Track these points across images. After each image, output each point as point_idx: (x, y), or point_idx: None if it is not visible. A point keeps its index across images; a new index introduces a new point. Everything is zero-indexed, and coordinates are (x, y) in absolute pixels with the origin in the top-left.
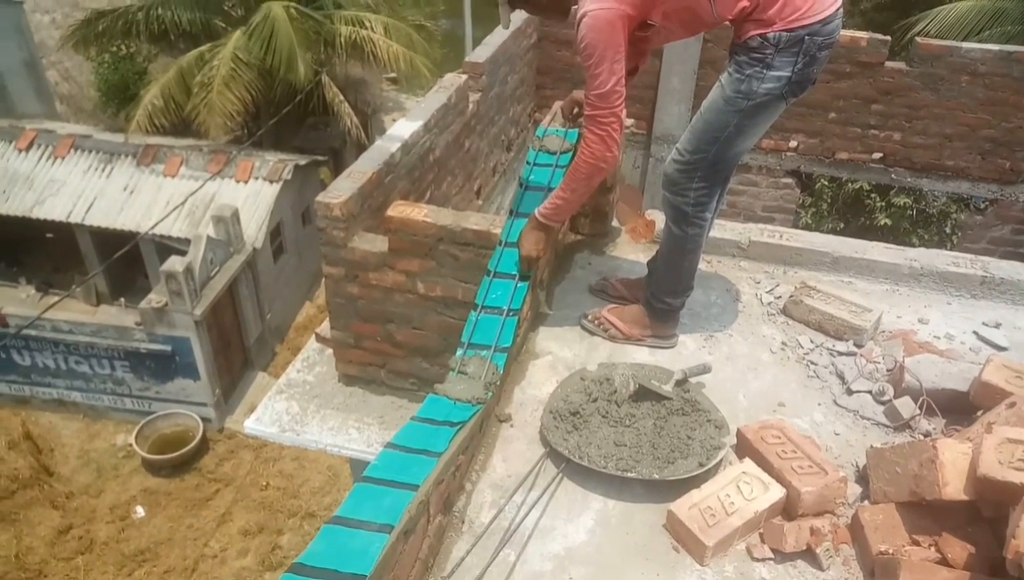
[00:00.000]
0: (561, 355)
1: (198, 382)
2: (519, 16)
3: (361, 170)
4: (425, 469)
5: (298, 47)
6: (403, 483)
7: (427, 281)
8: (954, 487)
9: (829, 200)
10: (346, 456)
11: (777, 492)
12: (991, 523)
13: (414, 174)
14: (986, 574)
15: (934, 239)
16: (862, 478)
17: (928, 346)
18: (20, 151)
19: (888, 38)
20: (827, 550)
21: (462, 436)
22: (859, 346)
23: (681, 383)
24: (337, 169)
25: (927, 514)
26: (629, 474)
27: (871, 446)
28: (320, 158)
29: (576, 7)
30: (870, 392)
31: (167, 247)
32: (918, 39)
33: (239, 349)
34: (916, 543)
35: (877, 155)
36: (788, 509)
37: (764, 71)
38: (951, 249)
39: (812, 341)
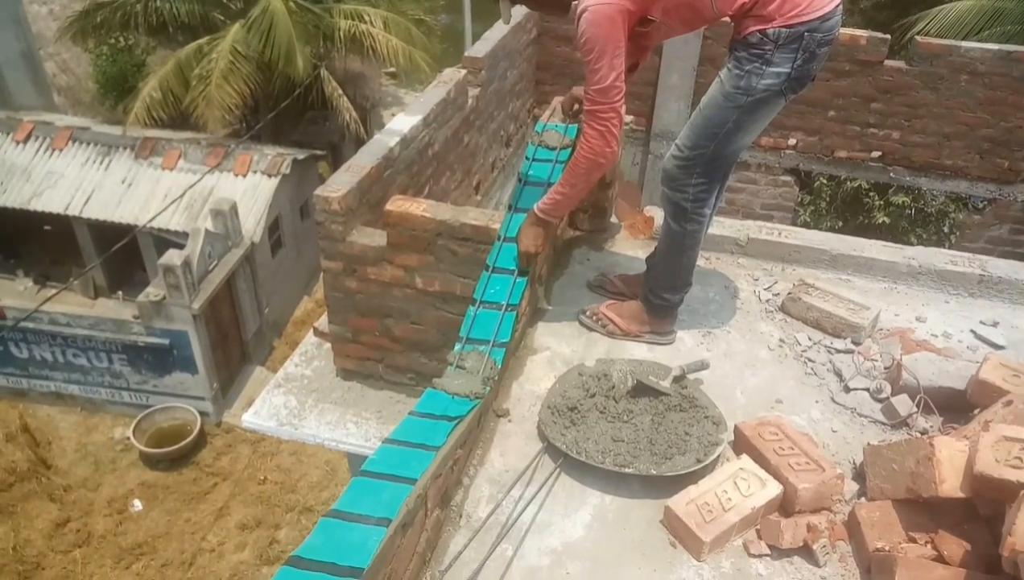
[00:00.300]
0: (559, 351)
1: (196, 376)
2: (519, 11)
3: (360, 164)
4: (423, 463)
5: (297, 41)
6: (401, 477)
7: (425, 276)
8: (951, 485)
9: (828, 198)
10: (344, 450)
11: (774, 488)
12: (987, 521)
13: (413, 169)
14: (982, 571)
15: (932, 238)
16: (859, 475)
17: (926, 344)
18: (18, 143)
19: (888, 37)
20: (824, 547)
21: (460, 431)
22: (857, 344)
23: (679, 379)
24: (336, 163)
25: (923, 511)
26: (626, 470)
27: (868, 443)
28: (319, 152)
29: (576, 2)
30: (868, 390)
31: (165, 240)
32: (918, 38)
33: (237, 343)
34: (912, 540)
35: (876, 154)
36: (785, 505)
37: (763, 67)
38: (949, 248)
39: (810, 338)
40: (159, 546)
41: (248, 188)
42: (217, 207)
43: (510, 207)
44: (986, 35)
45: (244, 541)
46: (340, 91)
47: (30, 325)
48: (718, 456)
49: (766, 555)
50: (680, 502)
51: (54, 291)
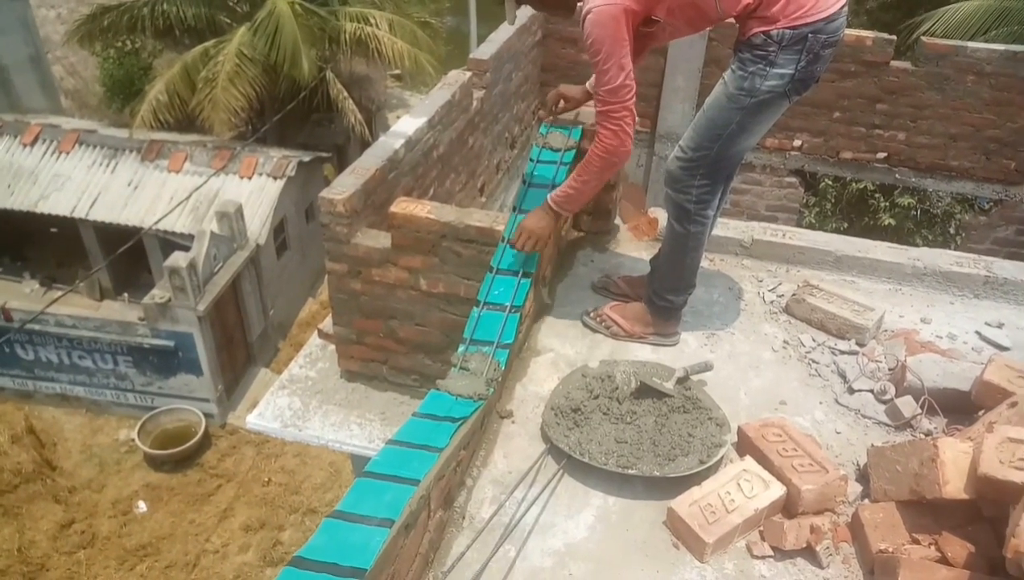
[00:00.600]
0: (563, 352)
1: (201, 378)
2: (524, 13)
3: (365, 166)
4: (426, 464)
5: (302, 43)
6: (404, 478)
7: (430, 277)
8: (954, 486)
9: (833, 200)
10: (348, 452)
11: (777, 490)
12: (991, 522)
13: (418, 171)
14: (986, 573)
15: (938, 239)
16: (863, 477)
17: (930, 345)
18: (25, 146)
19: (894, 37)
20: (827, 548)
21: (463, 432)
22: (861, 345)
23: (683, 381)
24: (341, 166)
25: (927, 513)
26: (630, 471)
27: (872, 445)
28: (324, 155)
29: (581, 3)
30: (872, 391)
31: (171, 243)
32: (924, 38)
33: (242, 345)
34: (916, 542)
35: (881, 155)
36: (788, 507)
37: (767, 68)
38: (955, 249)
39: (814, 340)
40: (163, 547)
41: (253, 190)
42: (223, 209)
43: (514, 209)
44: (992, 35)
45: (248, 542)
46: (345, 93)
47: (36, 327)
48: (721, 457)
49: (769, 556)
50: (683, 503)
51: (60, 293)
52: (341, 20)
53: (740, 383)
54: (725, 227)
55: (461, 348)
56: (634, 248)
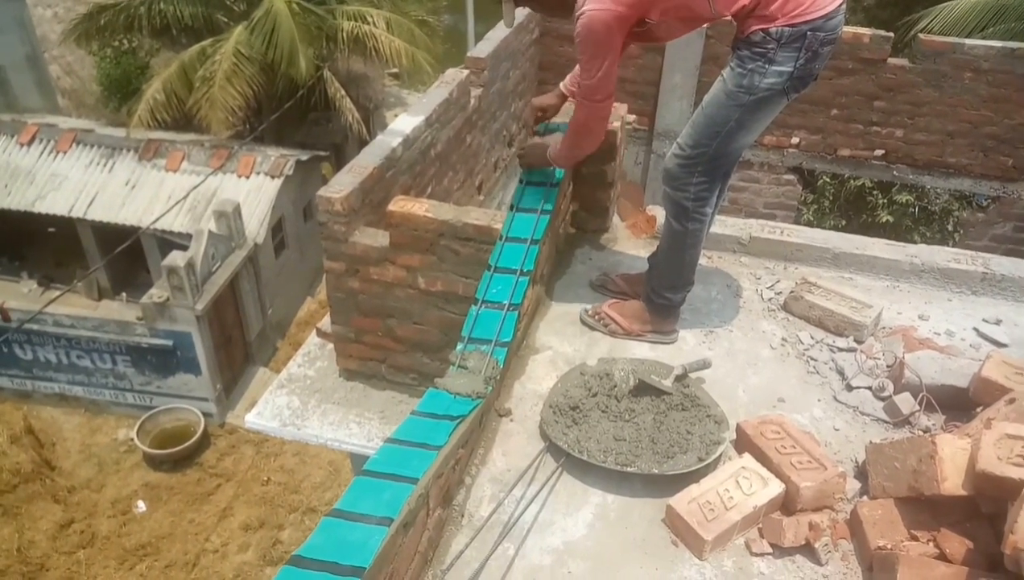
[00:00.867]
0: (561, 350)
1: (199, 377)
2: (521, 12)
3: (362, 165)
4: (425, 463)
5: (300, 42)
6: (403, 476)
7: (428, 276)
8: (953, 483)
9: (831, 197)
10: (347, 451)
11: (776, 487)
12: (990, 519)
13: (415, 169)
14: (984, 569)
15: (936, 236)
16: (861, 473)
17: (928, 342)
18: (22, 145)
19: (891, 35)
20: (826, 545)
21: (462, 430)
22: (859, 342)
23: (681, 378)
24: (339, 164)
25: (926, 509)
26: (628, 469)
27: (870, 442)
28: (322, 153)
29: (578, 3)
30: (870, 388)
31: (169, 242)
32: (921, 35)
33: (240, 344)
34: (915, 538)
35: (879, 152)
36: (787, 504)
37: (766, 66)
38: (953, 246)
39: (812, 337)
40: (163, 547)
41: (251, 189)
42: (220, 208)
43: (512, 207)
44: (989, 32)
45: (248, 542)
46: (343, 92)
47: (34, 327)
48: (720, 455)
49: (768, 554)
50: (682, 501)
51: (58, 293)
52: (338, 18)
53: (738, 380)
54: (723, 224)
55: (459, 346)
56: (632, 246)
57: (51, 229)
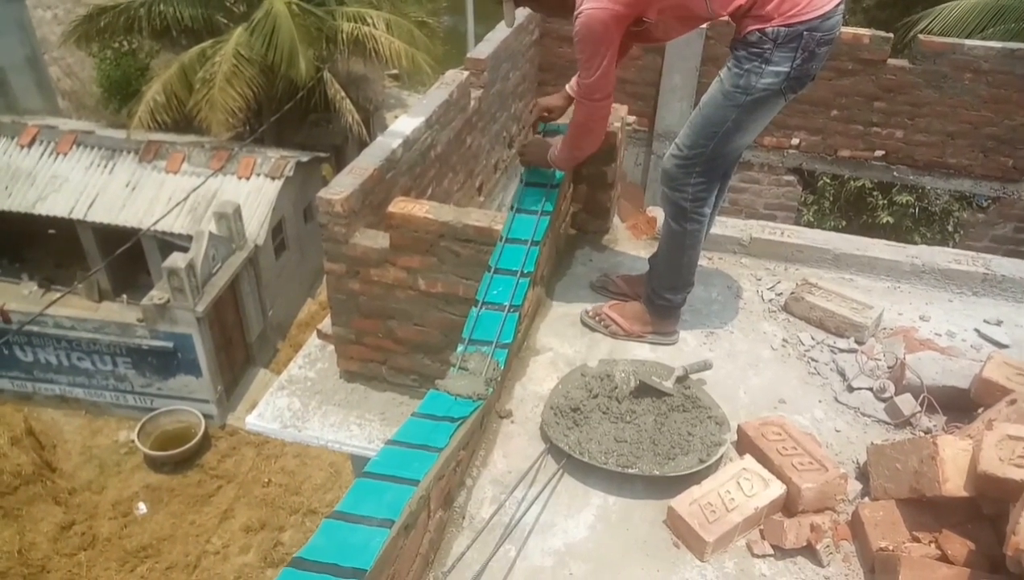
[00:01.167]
0: (562, 351)
1: (200, 379)
2: (522, 13)
3: (363, 166)
4: (426, 464)
5: (300, 43)
6: (404, 478)
7: (428, 277)
8: (954, 484)
9: (831, 198)
10: (347, 452)
11: (777, 488)
12: (991, 520)
13: (415, 170)
14: (986, 571)
15: (936, 237)
16: (862, 475)
17: (929, 343)
18: (22, 147)
19: (891, 35)
20: (827, 546)
21: (463, 432)
22: (860, 343)
23: (682, 380)
24: (339, 166)
25: (927, 511)
26: (630, 470)
27: (872, 443)
28: (322, 155)
29: (577, 2)
30: (871, 389)
31: (169, 244)
32: (920, 36)
33: (241, 346)
34: (916, 540)
35: (879, 153)
36: (788, 505)
37: (763, 66)
38: (953, 247)
39: (813, 338)
40: (164, 549)
41: (252, 191)
42: (221, 210)
43: (512, 208)
44: (989, 33)
45: (248, 543)
46: (343, 93)
47: (35, 329)
48: (721, 456)
49: (769, 555)
50: (683, 502)
51: (59, 295)
52: (338, 20)
53: (739, 382)
54: (723, 225)
55: (460, 348)
56: (632, 247)
57: (51, 231)
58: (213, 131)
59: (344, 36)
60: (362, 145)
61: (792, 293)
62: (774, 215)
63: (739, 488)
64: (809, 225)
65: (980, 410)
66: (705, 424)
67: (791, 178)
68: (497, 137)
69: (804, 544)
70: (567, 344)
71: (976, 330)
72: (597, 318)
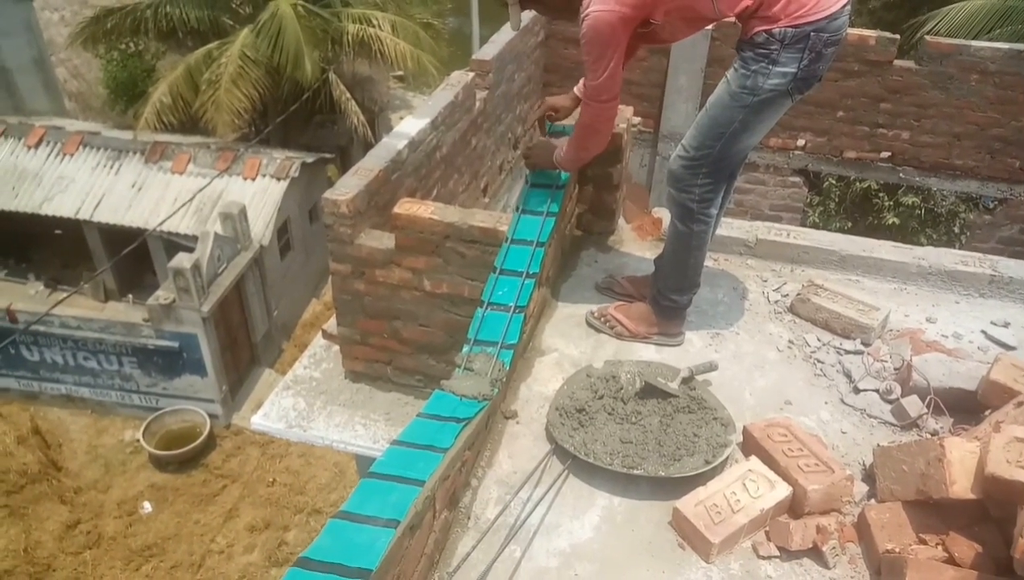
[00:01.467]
0: (567, 352)
1: (205, 378)
2: (527, 15)
3: (368, 167)
4: (431, 465)
5: (305, 45)
6: (409, 479)
7: (433, 278)
8: (961, 486)
9: (837, 199)
10: (352, 452)
11: (783, 490)
12: (998, 522)
13: (421, 172)
14: (993, 573)
15: (942, 239)
16: (869, 477)
17: (936, 345)
18: (29, 148)
19: (897, 37)
20: (833, 548)
21: (468, 432)
22: (866, 344)
23: (687, 381)
24: (344, 167)
25: (934, 513)
26: (635, 471)
27: (878, 445)
28: (327, 156)
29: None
30: (877, 391)
31: (175, 244)
32: (927, 37)
33: (246, 346)
34: (923, 542)
35: (885, 154)
36: (794, 507)
37: (770, 67)
38: (960, 249)
39: (819, 339)
40: (168, 548)
41: (257, 192)
42: (226, 211)
43: (518, 209)
44: (996, 34)
45: (253, 543)
46: (348, 95)
47: (41, 328)
48: (727, 457)
49: (775, 557)
50: (689, 503)
51: (65, 295)
52: (344, 21)
53: (745, 383)
54: (729, 226)
55: (465, 349)
56: (638, 248)
57: (58, 231)
58: (219, 132)
59: (349, 37)
60: (367, 146)
61: (798, 294)
62: (780, 216)
63: (745, 489)
64: (815, 226)
65: (987, 412)
66: (711, 425)
67: (797, 179)
68: (502, 138)
69: (810, 546)
70: (572, 345)
71: (983, 332)
72: (602, 319)
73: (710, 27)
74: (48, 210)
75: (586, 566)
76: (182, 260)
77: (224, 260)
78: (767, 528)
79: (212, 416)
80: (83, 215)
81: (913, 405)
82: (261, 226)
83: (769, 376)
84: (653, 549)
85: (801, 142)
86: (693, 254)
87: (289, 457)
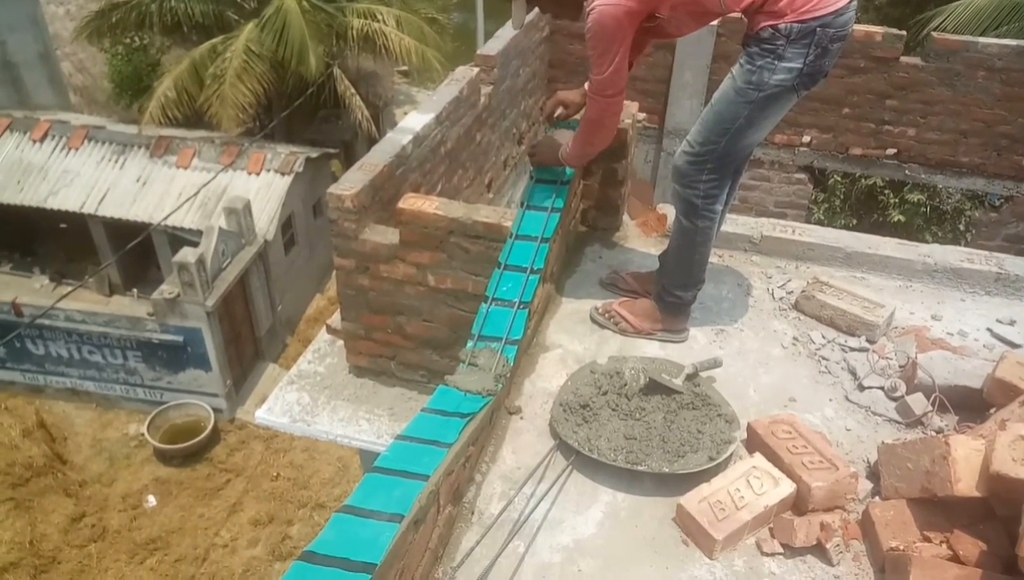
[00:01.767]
0: (571, 348)
1: (210, 373)
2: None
3: (373, 162)
4: (435, 460)
5: (310, 39)
6: (413, 473)
7: (437, 273)
8: (966, 484)
9: (842, 196)
10: (356, 447)
11: (787, 487)
12: (1003, 520)
13: (425, 167)
14: (998, 572)
15: (948, 236)
16: (873, 474)
17: (941, 342)
18: (35, 142)
19: (903, 33)
20: (837, 546)
21: (472, 427)
22: (871, 342)
23: (691, 377)
24: (348, 162)
25: (938, 511)
26: (639, 467)
27: (882, 442)
28: (331, 151)
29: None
30: (882, 388)
31: (179, 238)
32: (934, 34)
33: (250, 340)
34: (927, 540)
35: (891, 151)
36: (798, 504)
37: (775, 62)
38: (965, 246)
39: (824, 336)
40: (173, 541)
41: (261, 186)
42: (231, 205)
43: (522, 204)
44: (1004, 30)
45: (257, 537)
46: (353, 90)
47: (46, 322)
48: (731, 454)
49: (779, 554)
50: (692, 500)
51: (70, 289)
52: (348, 16)
53: (749, 379)
54: (734, 223)
55: (470, 344)
56: (642, 244)
57: (63, 225)
58: (223, 127)
59: (354, 32)
60: (371, 141)
61: (803, 291)
62: (785, 213)
63: (749, 486)
64: (820, 223)
65: (992, 410)
66: (715, 422)
67: (802, 176)
68: (507, 134)
69: (814, 543)
70: (576, 341)
71: (988, 329)
72: (607, 315)
73: (715, 22)
74: (53, 204)
75: (589, 562)
76: (186, 254)
77: (228, 255)
78: (771, 525)
79: (216, 410)
80: (88, 209)
81: (918, 403)
82: (265, 221)
83: (773, 373)
84: (657, 545)
85: (807, 138)
86: (698, 250)
87: (293, 451)
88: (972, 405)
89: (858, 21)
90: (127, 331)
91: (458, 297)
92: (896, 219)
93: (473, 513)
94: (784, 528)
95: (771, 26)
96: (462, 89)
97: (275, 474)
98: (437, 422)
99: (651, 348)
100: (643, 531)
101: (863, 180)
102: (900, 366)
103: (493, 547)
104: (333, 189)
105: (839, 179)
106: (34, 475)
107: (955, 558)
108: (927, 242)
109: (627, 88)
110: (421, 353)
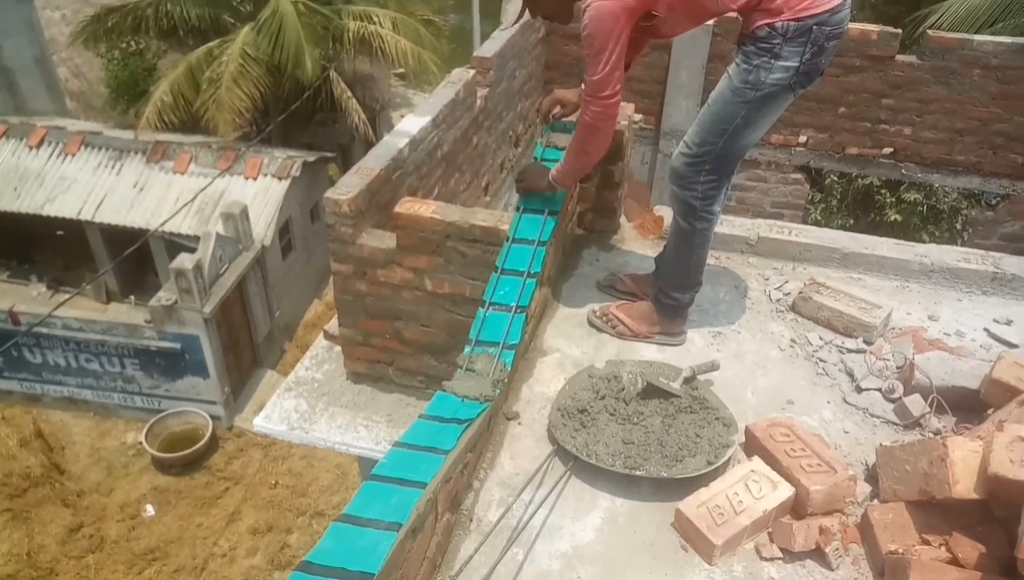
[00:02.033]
0: (569, 352)
1: (207, 380)
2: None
3: (369, 166)
4: (433, 467)
5: (306, 43)
6: (411, 481)
7: (435, 278)
8: (965, 486)
9: (839, 196)
10: (354, 454)
11: (786, 491)
12: (1002, 522)
13: (422, 170)
14: (997, 574)
15: (945, 235)
16: (871, 477)
17: (938, 343)
18: (31, 148)
19: (899, 31)
20: (836, 549)
21: (470, 434)
22: (869, 343)
23: (689, 380)
24: (345, 165)
25: (937, 513)
26: (637, 472)
27: (881, 444)
28: (328, 155)
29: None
30: (880, 390)
31: (177, 244)
32: (929, 32)
33: (248, 347)
34: (926, 542)
35: (887, 150)
36: (797, 508)
37: (772, 61)
38: (962, 245)
39: (821, 338)
40: (171, 551)
41: (258, 191)
42: (228, 210)
43: (519, 208)
44: (999, 28)
45: (256, 546)
46: (349, 93)
47: (43, 330)
48: (729, 458)
49: (778, 558)
50: (691, 505)
51: (67, 296)
52: (344, 19)
53: (747, 382)
54: (731, 224)
55: (467, 349)
56: (640, 246)
57: (60, 232)
58: (220, 131)
59: (350, 35)
60: (368, 144)
61: (800, 293)
62: (781, 213)
63: (747, 490)
64: (816, 224)
65: (990, 411)
66: (713, 425)
67: (798, 176)
68: (503, 136)
69: (813, 547)
70: (574, 345)
71: (986, 330)
72: (604, 318)
73: (711, 22)
74: (50, 211)
75: (588, 568)
76: (184, 261)
77: (226, 260)
78: (770, 529)
79: (214, 418)
80: (85, 216)
81: (916, 404)
82: (263, 226)
83: (771, 375)
84: (655, 551)
85: (803, 138)
86: (696, 252)
87: (291, 459)
88: (970, 406)
89: (853, 19)
90: (124, 339)
91: (455, 301)
92: (893, 218)
93: (471, 520)
94: (783, 532)
95: (767, 24)
96: (458, 92)
97: (274, 482)
98: (435, 429)
99: (649, 351)
100: (642, 537)
101: (860, 180)
102: (897, 367)
103: (492, 555)
104: (330, 194)
105: (836, 179)
106: (32, 485)
107: (954, 561)
108: (924, 241)
109: (623, 90)
110: (419, 358)
